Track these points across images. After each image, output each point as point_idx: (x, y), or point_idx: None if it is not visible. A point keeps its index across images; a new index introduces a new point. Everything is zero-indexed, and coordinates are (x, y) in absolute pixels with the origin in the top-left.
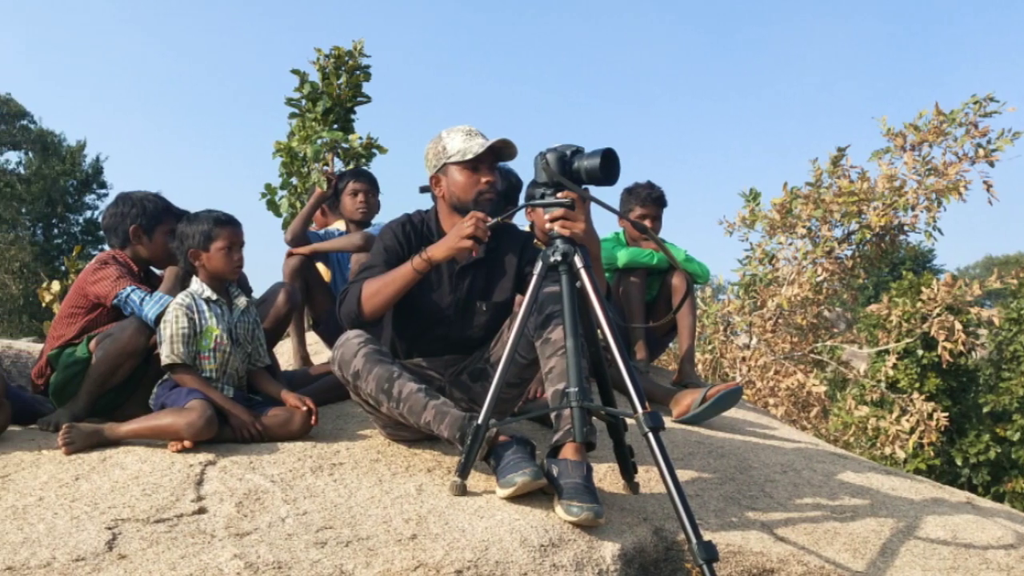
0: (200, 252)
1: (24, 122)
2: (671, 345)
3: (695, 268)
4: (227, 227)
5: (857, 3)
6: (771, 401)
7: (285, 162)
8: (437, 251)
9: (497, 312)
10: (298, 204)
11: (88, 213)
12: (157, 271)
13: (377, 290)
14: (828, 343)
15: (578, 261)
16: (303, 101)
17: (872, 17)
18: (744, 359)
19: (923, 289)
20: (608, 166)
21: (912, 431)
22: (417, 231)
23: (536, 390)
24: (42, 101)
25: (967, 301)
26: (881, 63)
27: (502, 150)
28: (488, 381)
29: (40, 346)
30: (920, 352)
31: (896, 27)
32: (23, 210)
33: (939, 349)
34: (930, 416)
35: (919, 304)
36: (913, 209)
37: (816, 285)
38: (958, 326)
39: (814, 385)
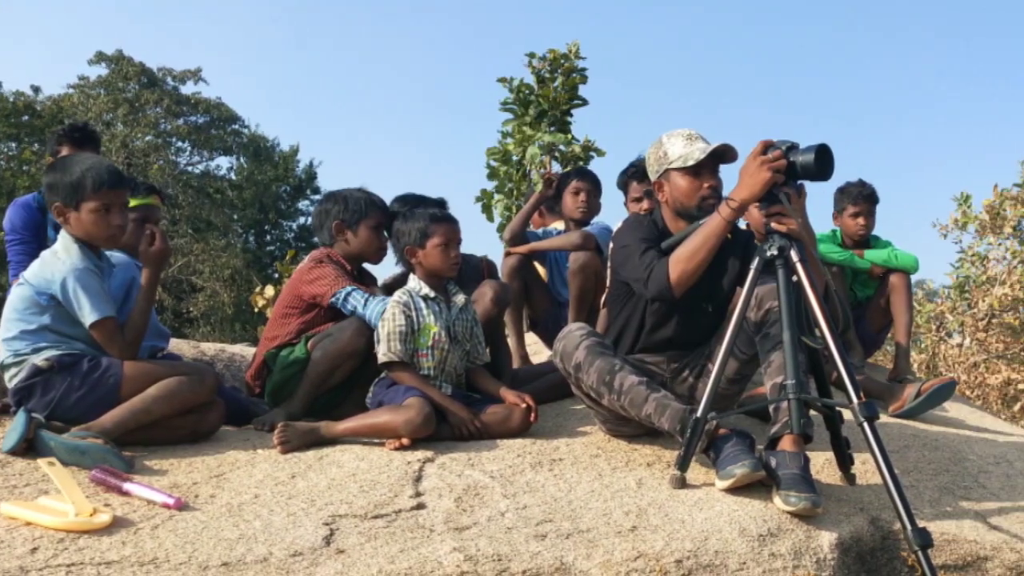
0: (416, 249)
1: (235, 127)
2: (887, 348)
3: (904, 261)
4: (443, 224)
5: None
6: (976, 393)
7: (498, 166)
8: (741, 192)
9: (723, 313)
10: (514, 208)
11: (301, 219)
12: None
13: (690, 254)
14: None
15: (794, 256)
16: (515, 106)
17: None
18: (956, 358)
19: None
20: (823, 161)
21: None
22: (654, 226)
23: None
24: (255, 106)
25: None
26: None
27: (724, 154)
28: (709, 376)
29: (254, 350)
30: None
31: None
32: (235, 216)
33: None
34: None
35: None
36: None
37: None
38: None
39: (1020, 382)
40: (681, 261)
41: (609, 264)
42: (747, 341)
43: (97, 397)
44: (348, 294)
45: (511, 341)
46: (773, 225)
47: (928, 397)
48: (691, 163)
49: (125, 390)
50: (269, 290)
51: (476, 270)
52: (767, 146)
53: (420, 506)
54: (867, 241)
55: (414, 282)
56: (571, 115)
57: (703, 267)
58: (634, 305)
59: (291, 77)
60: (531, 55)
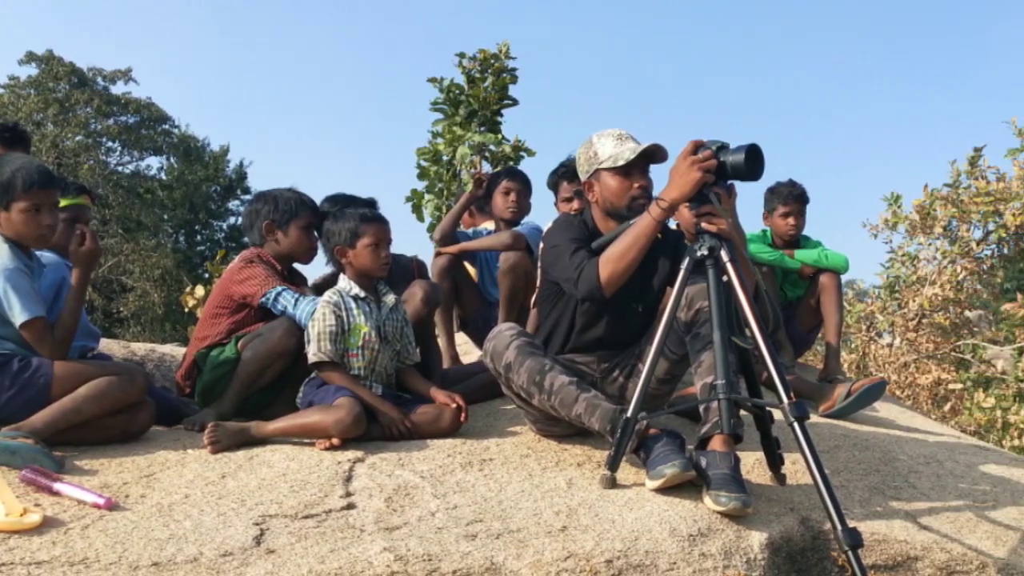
0: (347, 249)
1: (166, 127)
2: (817, 348)
3: (834, 261)
4: (374, 224)
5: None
6: (907, 393)
7: (428, 166)
8: (671, 192)
9: (653, 313)
10: (444, 208)
11: (232, 219)
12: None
13: (621, 254)
14: (970, 342)
15: (724, 255)
16: (445, 106)
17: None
18: (886, 358)
19: None
20: (753, 161)
21: None
22: (584, 226)
23: None
24: (185, 106)
25: None
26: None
27: (654, 154)
28: (640, 377)
29: (184, 350)
30: None
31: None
32: (165, 216)
33: None
34: None
35: None
36: None
37: (957, 284)
38: None
39: (950, 382)
40: (611, 261)
41: (539, 264)
42: (677, 341)
43: (27, 397)
44: (278, 294)
45: (441, 341)
46: (703, 225)
47: (858, 397)
48: (621, 163)
49: (55, 390)
50: (199, 290)
51: (406, 270)
52: (697, 146)
53: (350, 506)
54: (797, 241)
55: (344, 282)
56: (501, 115)
57: (633, 267)
58: (564, 305)
59: (221, 77)
60: (461, 55)
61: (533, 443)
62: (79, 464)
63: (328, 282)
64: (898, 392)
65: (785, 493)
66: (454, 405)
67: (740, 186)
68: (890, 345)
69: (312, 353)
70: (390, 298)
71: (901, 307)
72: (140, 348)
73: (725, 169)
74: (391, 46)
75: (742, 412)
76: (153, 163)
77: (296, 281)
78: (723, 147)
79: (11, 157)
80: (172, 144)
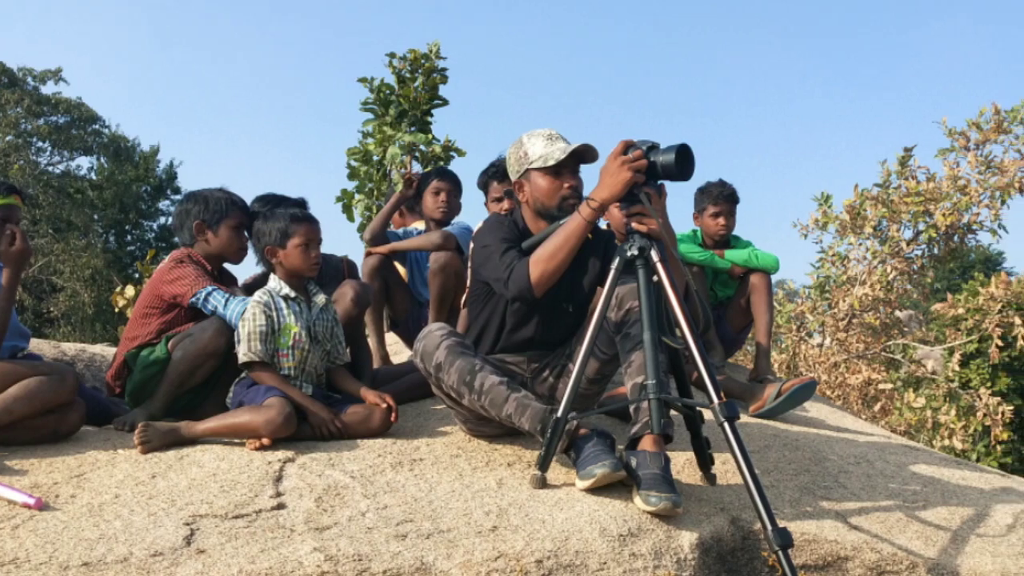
0: (277, 249)
1: (96, 127)
2: (748, 348)
3: (764, 261)
4: (304, 224)
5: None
6: (837, 393)
7: (358, 166)
8: (601, 192)
9: (584, 313)
10: (374, 208)
11: (162, 219)
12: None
13: (551, 254)
14: (900, 342)
15: (655, 255)
16: (375, 105)
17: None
18: (816, 358)
19: (980, 289)
20: (683, 161)
21: (962, 420)
22: (514, 226)
23: None
24: (115, 106)
25: None
26: (953, 62)
27: (584, 154)
28: (570, 377)
29: (115, 350)
30: (991, 351)
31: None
32: (95, 216)
33: (992, 347)
34: (996, 410)
35: (980, 301)
36: (975, 207)
37: (887, 284)
38: (1018, 322)
39: (880, 382)
40: (542, 261)
41: (469, 264)
42: (607, 341)
43: None
44: (208, 294)
45: (371, 341)
46: (634, 225)
47: (788, 397)
48: (551, 163)
49: None
50: (130, 290)
51: (336, 270)
52: (627, 146)
53: (280, 506)
54: (727, 241)
55: (274, 282)
56: (432, 115)
57: (564, 267)
58: (494, 305)
59: (152, 77)
60: (392, 55)
61: (463, 443)
62: (9, 464)
63: (258, 282)
64: (828, 392)
65: (715, 493)
66: (384, 405)
67: (670, 186)
68: (820, 345)
69: (242, 353)
70: (320, 298)
71: (831, 307)
72: (70, 348)
73: (655, 169)
74: (321, 46)
75: (672, 412)
76: (83, 163)
77: (226, 281)
78: (653, 147)
79: None
80: (102, 144)
